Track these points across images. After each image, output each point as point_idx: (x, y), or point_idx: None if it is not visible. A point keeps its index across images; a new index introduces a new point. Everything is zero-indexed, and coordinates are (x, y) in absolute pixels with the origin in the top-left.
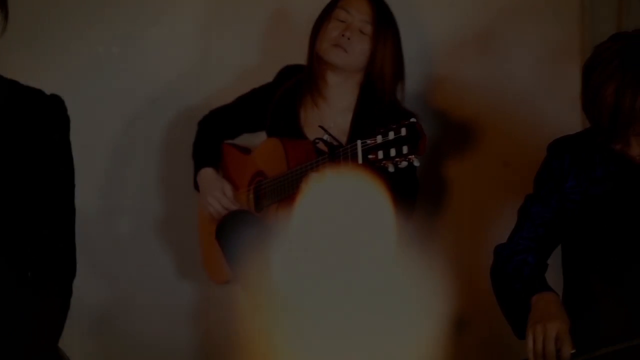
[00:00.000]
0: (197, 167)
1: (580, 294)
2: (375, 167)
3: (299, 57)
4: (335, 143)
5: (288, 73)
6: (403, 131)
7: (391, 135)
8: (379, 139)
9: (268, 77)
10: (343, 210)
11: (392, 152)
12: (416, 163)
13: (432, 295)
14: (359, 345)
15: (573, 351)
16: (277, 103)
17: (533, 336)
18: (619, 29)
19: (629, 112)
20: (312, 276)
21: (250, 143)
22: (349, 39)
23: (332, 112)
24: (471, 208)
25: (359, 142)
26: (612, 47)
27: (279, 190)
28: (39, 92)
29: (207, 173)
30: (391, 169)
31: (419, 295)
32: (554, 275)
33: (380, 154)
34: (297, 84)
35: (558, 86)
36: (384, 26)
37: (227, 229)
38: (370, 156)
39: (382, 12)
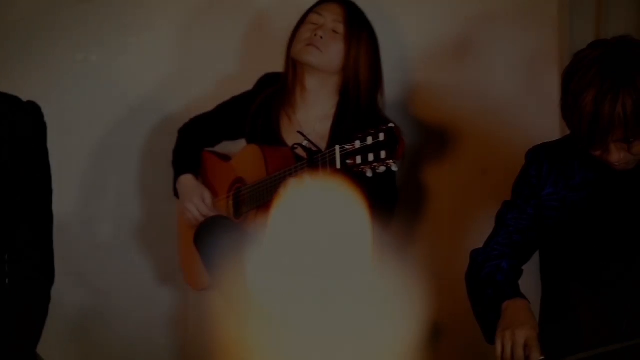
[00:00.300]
0: (177, 174)
1: (559, 300)
2: (353, 172)
3: (279, 66)
4: (314, 149)
5: (268, 81)
6: (381, 136)
7: (369, 140)
8: (357, 144)
9: (248, 85)
10: (319, 217)
11: (370, 157)
12: (394, 168)
13: (409, 301)
14: (336, 352)
15: (541, 358)
16: (256, 110)
17: (502, 342)
18: (597, 36)
19: (609, 119)
20: (289, 283)
21: (231, 150)
22: (321, 37)
23: (311, 118)
24: (450, 215)
25: (337, 148)
26: (591, 54)
27: (257, 197)
28: (15, 99)
29: (187, 180)
30: (369, 173)
31: (396, 302)
32: (531, 280)
33: (359, 159)
34: (276, 92)
35: (536, 93)
36: (357, 26)
37: (205, 235)
38: (348, 161)
39: (354, 14)
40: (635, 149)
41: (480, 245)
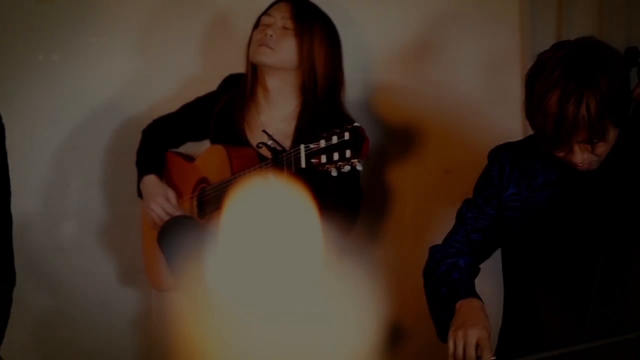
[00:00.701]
0: (141, 175)
1: (522, 300)
2: (318, 172)
3: (242, 66)
4: (278, 148)
5: (232, 81)
6: (346, 135)
7: (334, 139)
8: (322, 143)
9: (212, 85)
10: (270, 217)
11: (335, 156)
12: (359, 167)
13: (372, 302)
14: (296, 352)
15: (493, 358)
16: (220, 111)
17: (454, 341)
18: (558, 37)
19: (573, 120)
20: (246, 283)
21: (195, 152)
22: (272, 36)
23: (275, 118)
24: (413, 215)
25: (302, 147)
26: (555, 55)
27: (221, 197)
28: None
29: (150, 180)
30: (334, 173)
31: (358, 303)
32: (494, 279)
33: (324, 158)
34: (240, 92)
35: (499, 93)
36: (307, 20)
37: (168, 235)
38: (313, 160)
39: (303, 8)
40: (599, 149)
41: None
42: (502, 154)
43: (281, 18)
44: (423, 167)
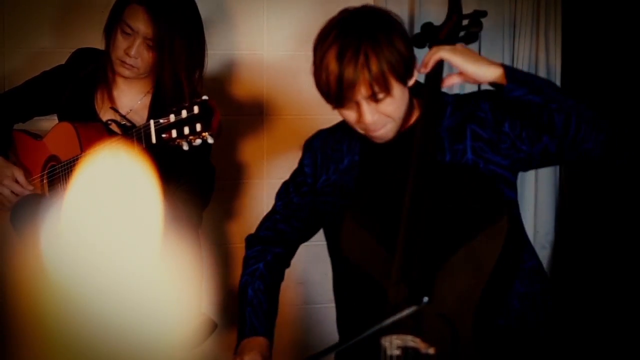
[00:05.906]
0: None
1: (347, 284)
2: (170, 147)
3: (93, 40)
4: (128, 124)
5: (82, 56)
6: (195, 109)
7: (184, 113)
8: (172, 117)
9: (61, 59)
10: (109, 193)
11: (186, 130)
12: (210, 140)
13: (220, 275)
14: (132, 326)
15: None
16: (73, 87)
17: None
18: (411, 14)
19: (353, 73)
20: (84, 258)
21: (41, 128)
22: (135, 58)
23: (130, 96)
24: (268, 190)
25: (151, 122)
26: (334, 19)
27: (71, 174)
28: None
29: None
30: (185, 147)
31: (206, 278)
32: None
33: (174, 133)
34: (95, 69)
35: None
36: (167, 32)
37: (20, 214)
38: (164, 135)
39: (162, 19)
40: (387, 107)
41: None
42: (314, 142)
43: (142, 35)
44: (278, 140)
